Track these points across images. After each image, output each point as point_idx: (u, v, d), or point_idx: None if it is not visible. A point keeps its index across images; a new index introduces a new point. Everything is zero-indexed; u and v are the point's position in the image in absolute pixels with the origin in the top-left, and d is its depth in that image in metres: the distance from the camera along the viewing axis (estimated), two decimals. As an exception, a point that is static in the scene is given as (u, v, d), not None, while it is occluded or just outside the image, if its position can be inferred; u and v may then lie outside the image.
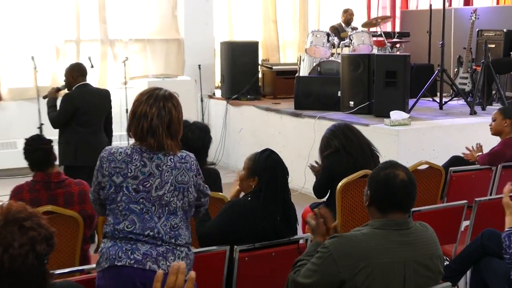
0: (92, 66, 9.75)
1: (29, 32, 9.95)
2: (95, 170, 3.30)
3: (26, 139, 4.70)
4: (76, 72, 6.69)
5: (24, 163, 4.85)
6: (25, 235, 2.42)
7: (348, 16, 11.25)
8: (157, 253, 3.17)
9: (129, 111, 3.42)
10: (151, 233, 3.18)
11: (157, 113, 3.21)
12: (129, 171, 3.20)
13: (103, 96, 6.95)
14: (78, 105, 6.57)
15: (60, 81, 10.01)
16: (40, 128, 8.84)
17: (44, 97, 7.02)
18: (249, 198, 3.96)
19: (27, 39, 9.94)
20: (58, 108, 6.66)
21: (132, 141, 3.42)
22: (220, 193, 4.54)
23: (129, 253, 3.15)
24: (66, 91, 6.76)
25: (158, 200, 3.22)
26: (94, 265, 3.97)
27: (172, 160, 3.26)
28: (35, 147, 4.57)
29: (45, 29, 10.06)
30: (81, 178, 6.19)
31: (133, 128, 3.27)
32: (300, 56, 10.82)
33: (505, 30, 10.49)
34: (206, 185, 3.51)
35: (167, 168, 3.24)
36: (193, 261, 3.36)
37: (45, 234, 2.48)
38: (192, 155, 3.40)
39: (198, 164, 3.43)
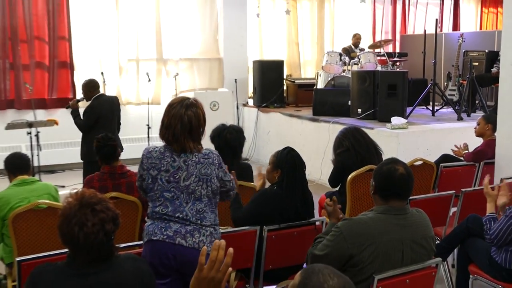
0: (149, 80, 9.84)
1: (100, 52, 10.06)
2: (139, 165, 3.35)
3: (96, 138, 4.75)
4: (92, 87, 6.88)
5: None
6: (96, 217, 2.46)
7: (356, 39, 11.23)
8: (185, 231, 3.21)
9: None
10: (180, 215, 3.23)
11: (180, 123, 3.23)
12: (162, 165, 3.25)
13: (115, 103, 7.08)
14: (99, 113, 6.74)
15: (123, 93, 10.22)
16: (107, 129, 8.90)
17: (67, 107, 7.03)
18: (274, 188, 3.99)
19: (98, 58, 10.05)
20: (81, 116, 6.80)
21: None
22: (252, 183, 4.56)
23: (163, 230, 3.21)
24: (84, 101, 6.94)
25: (186, 189, 3.25)
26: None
27: (196, 156, 3.29)
28: (104, 144, 4.62)
29: (112, 50, 10.14)
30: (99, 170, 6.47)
31: (162, 135, 3.33)
32: (318, 72, 10.83)
33: (486, 50, 10.51)
34: (229, 174, 3.50)
35: (192, 163, 3.26)
36: (220, 239, 3.35)
37: (112, 215, 2.51)
38: (215, 152, 3.42)
39: (221, 159, 3.44)
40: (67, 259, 2.55)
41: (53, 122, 6.91)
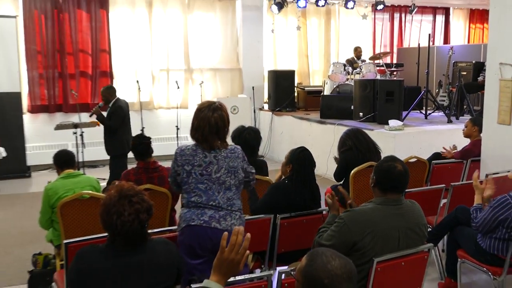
0: (178, 88, 9.88)
1: (135, 63, 10.13)
2: (172, 162, 3.34)
3: (133, 137, 4.76)
4: (113, 92, 7.03)
5: (131, 154, 4.93)
6: (132, 207, 2.47)
7: (357, 52, 11.18)
8: (219, 216, 3.23)
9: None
10: (214, 203, 3.24)
11: (208, 125, 3.24)
12: (195, 161, 3.25)
13: (127, 104, 7.21)
14: (124, 114, 6.94)
15: (155, 98, 10.26)
16: (142, 130, 8.95)
17: (91, 115, 7.08)
18: (286, 181, 3.98)
19: (134, 68, 10.12)
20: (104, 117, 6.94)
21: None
22: (267, 177, 4.55)
23: (199, 216, 3.21)
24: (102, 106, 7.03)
25: (217, 180, 3.25)
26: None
27: (224, 151, 3.30)
28: (139, 142, 4.64)
29: (146, 61, 10.20)
30: (124, 161, 6.77)
31: (192, 135, 3.33)
32: (324, 81, 10.82)
33: (474, 61, 10.40)
34: (251, 166, 3.52)
35: (221, 157, 3.28)
36: (245, 222, 3.39)
37: (146, 206, 2.53)
38: (239, 147, 3.42)
39: (245, 154, 3.45)
40: (107, 242, 2.57)
41: (95, 124, 6.96)
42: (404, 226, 3.05)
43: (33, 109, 9.50)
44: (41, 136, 9.39)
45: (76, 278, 2.53)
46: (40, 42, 9.37)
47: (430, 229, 4.41)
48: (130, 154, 4.96)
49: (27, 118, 9.33)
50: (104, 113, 6.95)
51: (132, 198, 2.49)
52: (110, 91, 7.03)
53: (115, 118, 6.90)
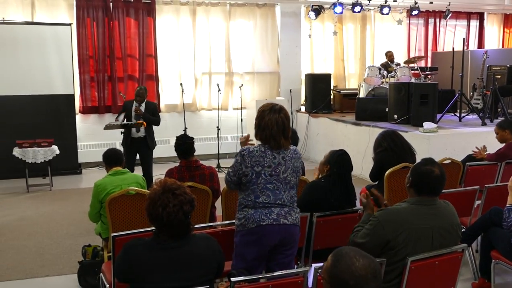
0: (219, 90, 9.92)
1: (179, 67, 10.22)
2: (237, 163, 3.28)
3: (176, 137, 4.78)
4: (147, 92, 7.28)
5: (174, 154, 4.96)
6: (176, 199, 2.50)
7: (389, 56, 11.00)
8: (284, 212, 3.24)
9: (254, 122, 3.37)
10: (280, 202, 3.24)
11: (275, 125, 3.23)
12: (265, 162, 3.22)
13: None
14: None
15: (198, 100, 10.34)
16: (184, 130, 9.02)
17: (138, 119, 7.09)
18: (322, 180, 3.94)
19: (178, 71, 10.22)
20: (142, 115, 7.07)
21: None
22: (304, 176, 4.51)
23: (268, 215, 3.20)
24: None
25: (284, 180, 3.25)
26: (219, 222, 4.05)
27: (290, 152, 3.30)
28: (183, 142, 4.65)
29: (189, 65, 10.29)
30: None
31: (259, 135, 3.30)
32: (360, 84, 10.67)
33: (508, 65, 10.11)
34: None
35: (288, 158, 3.27)
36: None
37: (189, 198, 2.55)
38: (297, 148, 3.42)
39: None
40: (153, 235, 2.60)
41: (141, 124, 7.03)
42: (437, 226, 2.97)
43: (84, 110, 9.71)
44: (91, 136, 9.59)
45: (123, 269, 2.57)
46: (92, 48, 9.58)
47: (464, 230, 4.29)
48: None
49: (79, 118, 9.54)
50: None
51: (175, 191, 2.53)
52: (146, 92, 7.27)
53: (158, 114, 7.30)
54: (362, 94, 10.25)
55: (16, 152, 7.85)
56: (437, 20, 12.78)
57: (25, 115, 8.74)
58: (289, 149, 3.31)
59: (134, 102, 7.10)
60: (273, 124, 3.23)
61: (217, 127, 9.61)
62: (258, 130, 3.31)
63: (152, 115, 7.12)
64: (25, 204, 7.25)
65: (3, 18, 8.87)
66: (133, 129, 7.07)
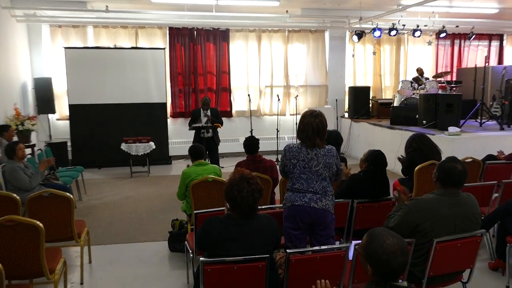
0: (278, 100, 9.93)
1: (247, 81, 10.28)
2: (282, 156, 3.30)
3: (245, 138, 4.81)
4: (210, 102, 7.39)
5: (241, 150, 4.99)
6: (250, 187, 2.54)
7: (419, 72, 10.57)
8: (316, 198, 3.18)
9: (298, 124, 3.38)
10: (312, 190, 3.19)
11: (311, 128, 3.18)
12: (300, 157, 3.20)
13: None
14: None
15: (262, 108, 10.35)
16: (251, 131, 9.09)
17: (214, 125, 7.18)
18: (361, 174, 3.87)
19: (246, 85, 10.28)
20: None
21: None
22: (346, 170, 4.45)
23: (301, 198, 3.18)
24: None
25: (316, 172, 3.20)
26: (277, 205, 4.06)
27: (323, 150, 3.23)
28: (251, 142, 4.67)
29: (255, 79, 10.34)
30: None
31: (299, 136, 3.28)
32: (394, 95, 10.32)
33: (525, 79, 9.42)
34: (340, 163, 3.43)
35: (320, 155, 3.21)
36: (335, 203, 3.31)
37: (259, 188, 2.59)
38: (334, 148, 3.35)
39: (337, 153, 3.37)
40: (225, 214, 2.64)
41: (218, 126, 7.16)
42: (460, 214, 2.85)
43: (174, 115, 9.98)
44: (179, 134, 9.82)
45: (203, 239, 2.63)
46: (180, 66, 9.84)
47: (483, 218, 4.08)
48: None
49: (169, 121, 9.79)
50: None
51: (250, 180, 2.57)
52: (211, 100, 7.42)
53: (220, 116, 7.43)
54: (396, 103, 9.92)
55: (123, 146, 8.17)
56: (462, 41, 12.17)
57: (130, 118, 9.07)
58: (324, 147, 3.23)
59: (201, 109, 7.25)
60: (309, 127, 3.17)
61: (277, 129, 9.62)
62: (298, 131, 3.29)
63: (216, 118, 7.24)
64: (129, 186, 7.50)
65: (114, 44, 9.28)
66: (204, 130, 7.22)
